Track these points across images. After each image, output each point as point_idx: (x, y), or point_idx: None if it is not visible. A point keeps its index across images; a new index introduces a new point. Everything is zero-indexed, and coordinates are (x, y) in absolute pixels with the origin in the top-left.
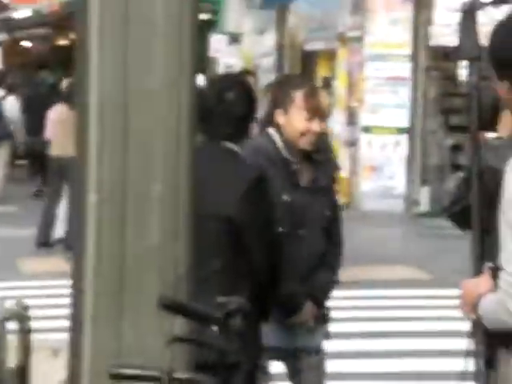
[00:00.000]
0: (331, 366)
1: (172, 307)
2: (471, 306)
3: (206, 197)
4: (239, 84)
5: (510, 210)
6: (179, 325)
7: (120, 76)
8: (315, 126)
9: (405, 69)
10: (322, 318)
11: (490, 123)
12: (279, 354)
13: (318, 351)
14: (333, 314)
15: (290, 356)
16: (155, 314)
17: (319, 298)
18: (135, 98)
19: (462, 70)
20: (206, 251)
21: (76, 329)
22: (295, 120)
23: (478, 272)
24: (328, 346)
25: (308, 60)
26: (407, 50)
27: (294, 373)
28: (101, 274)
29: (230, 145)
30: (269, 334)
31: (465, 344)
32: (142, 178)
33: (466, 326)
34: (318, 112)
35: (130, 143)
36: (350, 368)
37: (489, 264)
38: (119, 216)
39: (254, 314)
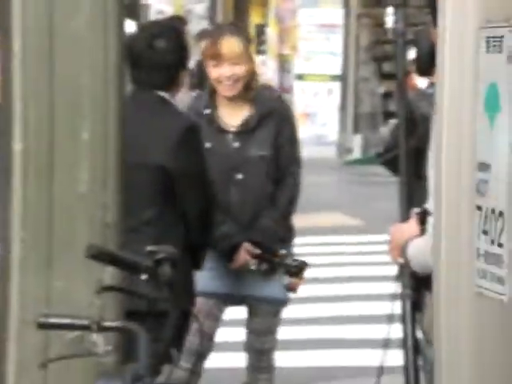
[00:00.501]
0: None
1: (101, 256)
2: (399, 250)
3: (136, 146)
4: (170, 31)
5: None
6: (109, 274)
7: (44, 20)
8: (225, 71)
9: (337, 16)
10: (273, 267)
11: (428, 70)
12: (228, 301)
13: (272, 301)
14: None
15: (239, 303)
16: (84, 263)
17: (259, 242)
18: (60, 42)
19: (389, 17)
20: (137, 201)
21: (4, 278)
22: (208, 68)
23: (405, 217)
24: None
25: (241, 7)
26: None
27: (247, 319)
28: (28, 223)
29: (161, 93)
30: (216, 280)
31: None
32: (68, 125)
33: (395, 270)
34: (220, 57)
35: (56, 90)
36: (286, 314)
37: (416, 209)
38: (46, 165)
39: (185, 263)
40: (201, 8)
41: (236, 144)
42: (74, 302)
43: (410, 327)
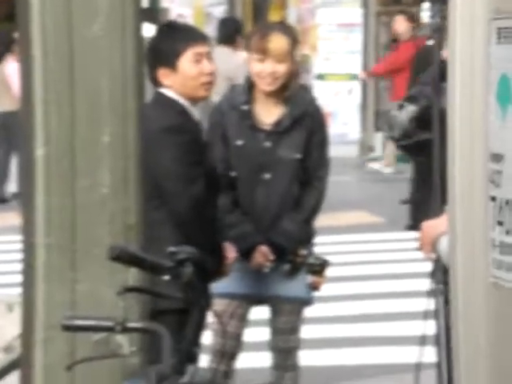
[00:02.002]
0: (325, 309)
1: (123, 257)
2: (430, 245)
3: None
4: (163, 30)
5: None
6: (132, 275)
7: (63, 25)
8: (267, 67)
9: (356, 15)
10: (295, 267)
11: None
12: (253, 301)
13: (295, 301)
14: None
15: (263, 303)
16: (107, 265)
17: (280, 243)
18: (79, 47)
19: (424, 12)
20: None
21: (29, 282)
22: (250, 63)
23: (438, 213)
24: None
25: (260, 8)
26: None
27: (270, 319)
28: (51, 227)
29: (162, 90)
30: (240, 280)
31: (422, 285)
32: (89, 129)
33: (423, 267)
34: (267, 53)
35: (76, 94)
36: (310, 313)
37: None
38: (68, 169)
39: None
40: (220, 11)
41: (268, 143)
42: (99, 304)
43: (443, 323)
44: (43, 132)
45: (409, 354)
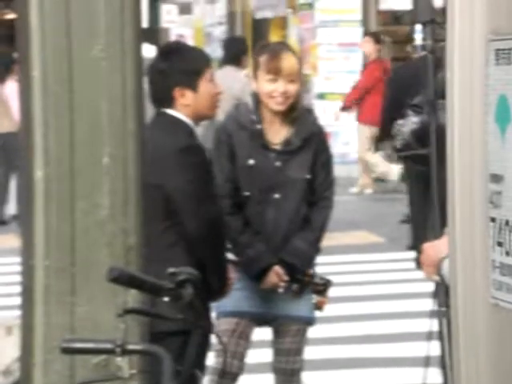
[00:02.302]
0: (330, 330)
1: (122, 279)
2: (434, 267)
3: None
4: (173, 51)
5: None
6: (132, 297)
7: (63, 47)
8: (279, 86)
9: (356, 34)
10: (303, 286)
11: None
12: (259, 321)
13: (301, 320)
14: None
15: (269, 323)
16: (107, 287)
17: (291, 263)
18: (78, 69)
19: (416, 34)
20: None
21: (28, 305)
22: (260, 82)
23: (439, 235)
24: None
25: (259, 28)
26: (358, 15)
27: (274, 340)
28: (51, 250)
29: (168, 111)
30: (247, 300)
31: (424, 305)
32: (88, 151)
33: (424, 287)
34: (279, 73)
35: (76, 116)
36: (312, 334)
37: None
38: (67, 191)
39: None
40: (220, 31)
41: (278, 163)
42: (98, 326)
43: (447, 344)
44: (42, 154)
45: (410, 375)
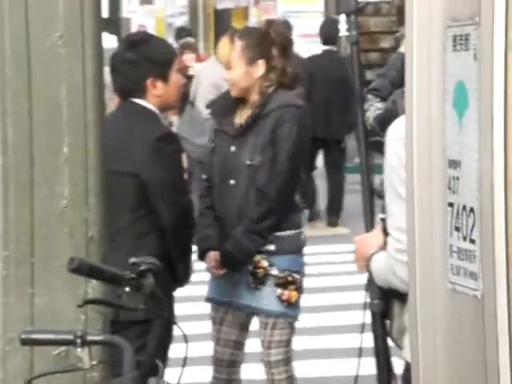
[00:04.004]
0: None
1: (83, 269)
2: (363, 261)
3: (110, 153)
4: (141, 42)
5: (394, 177)
6: (92, 287)
7: (20, 35)
8: (225, 74)
9: (318, 25)
10: (259, 279)
11: None
12: (219, 305)
13: (265, 313)
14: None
15: (228, 309)
16: (67, 278)
17: (229, 251)
18: (37, 57)
19: (342, 25)
20: (112, 209)
21: None
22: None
23: (370, 226)
24: None
25: (221, 19)
26: (321, 6)
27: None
28: (9, 239)
29: (139, 101)
30: (217, 286)
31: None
32: (48, 140)
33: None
34: (223, 61)
35: (35, 104)
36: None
37: (381, 215)
38: (26, 180)
39: (165, 273)
40: (182, 21)
41: (233, 148)
42: (59, 317)
43: (380, 336)
44: (1, 142)
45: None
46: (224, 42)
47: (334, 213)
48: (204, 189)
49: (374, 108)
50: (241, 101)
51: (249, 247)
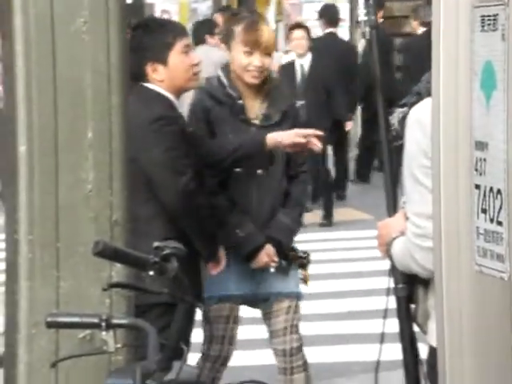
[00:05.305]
0: None
1: (107, 253)
2: (385, 246)
3: None
4: (143, 25)
5: (412, 163)
6: (116, 271)
7: (45, 21)
8: (255, 60)
9: (343, 10)
10: (290, 262)
11: None
12: (249, 303)
13: (292, 296)
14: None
15: (257, 305)
16: (92, 261)
17: (279, 241)
18: (62, 42)
19: (361, 10)
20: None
21: (12, 280)
22: (236, 54)
23: (392, 211)
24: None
25: (245, 4)
26: None
27: (267, 321)
28: (34, 224)
29: (145, 84)
30: (234, 284)
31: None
32: (72, 126)
33: None
34: (257, 46)
35: (59, 90)
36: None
37: (404, 199)
38: (51, 166)
39: (189, 257)
40: (205, 6)
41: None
42: (84, 301)
43: (405, 321)
44: (26, 128)
45: (393, 352)
46: (265, 26)
47: (342, 189)
48: (216, 184)
49: (397, 113)
50: (245, 88)
51: (296, 231)
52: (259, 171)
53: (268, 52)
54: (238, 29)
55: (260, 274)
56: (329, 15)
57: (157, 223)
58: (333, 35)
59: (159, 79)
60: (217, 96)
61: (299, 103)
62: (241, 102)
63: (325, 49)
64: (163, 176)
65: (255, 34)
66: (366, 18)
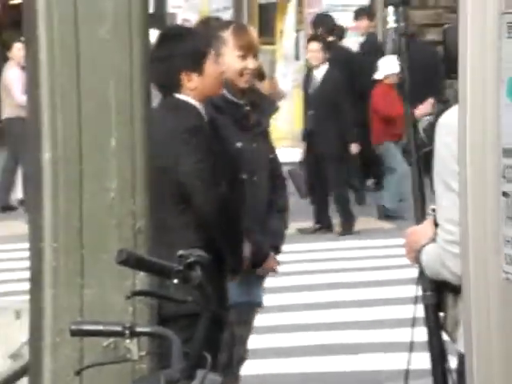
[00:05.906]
0: (321, 316)
1: (131, 261)
2: (414, 254)
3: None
4: (174, 36)
5: (443, 169)
6: (140, 279)
7: (70, 29)
8: (250, 63)
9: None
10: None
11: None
12: (239, 310)
13: (261, 305)
14: (297, 266)
15: (247, 311)
16: (115, 270)
17: (279, 245)
18: (85, 51)
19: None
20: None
21: (36, 288)
22: (229, 59)
23: (421, 218)
24: (307, 297)
25: (266, 13)
26: (366, 0)
27: (239, 327)
28: (59, 232)
29: (175, 95)
30: (241, 289)
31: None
32: (96, 134)
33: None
34: (251, 49)
35: (83, 98)
36: (319, 319)
37: (432, 206)
38: (75, 174)
39: (214, 266)
40: (227, 15)
41: (254, 144)
42: (107, 309)
43: (434, 329)
44: (50, 137)
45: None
46: (252, 29)
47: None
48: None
49: (423, 120)
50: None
51: (284, 233)
52: (254, 178)
53: (256, 53)
54: (228, 34)
55: (251, 282)
56: (325, 25)
57: (190, 232)
58: (342, 47)
59: (193, 87)
60: (217, 102)
61: (309, 113)
62: (248, 108)
63: (337, 62)
64: (199, 186)
65: (247, 37)
66: (395, 25)
